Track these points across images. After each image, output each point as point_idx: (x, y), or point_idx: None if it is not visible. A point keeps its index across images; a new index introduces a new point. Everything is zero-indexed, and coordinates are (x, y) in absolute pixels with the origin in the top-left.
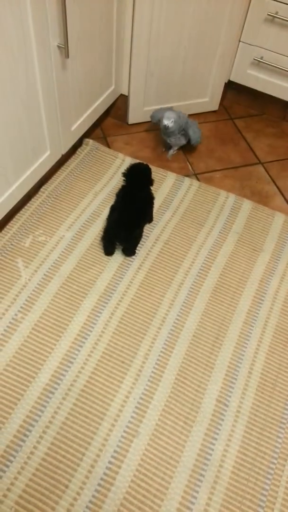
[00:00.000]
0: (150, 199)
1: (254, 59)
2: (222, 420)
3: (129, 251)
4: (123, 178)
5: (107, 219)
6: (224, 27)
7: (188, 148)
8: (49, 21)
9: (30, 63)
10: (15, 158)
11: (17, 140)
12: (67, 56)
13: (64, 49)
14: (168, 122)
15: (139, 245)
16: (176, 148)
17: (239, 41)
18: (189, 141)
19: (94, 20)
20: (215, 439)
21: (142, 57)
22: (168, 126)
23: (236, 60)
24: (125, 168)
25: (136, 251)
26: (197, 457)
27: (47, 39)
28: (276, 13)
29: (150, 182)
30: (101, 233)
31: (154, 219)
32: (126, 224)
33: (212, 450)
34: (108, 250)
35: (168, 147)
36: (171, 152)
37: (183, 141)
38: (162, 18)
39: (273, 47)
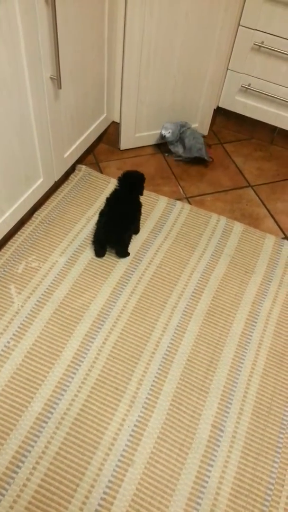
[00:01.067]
0: (139, 205)
1: (242, 86)
2: (218, 446)
3: (122, 253)
4: (117, 182)
5: (96, 223)
6: (212, 56)
7: (181, 170)
8: (41, 53)
9: (23, 94)
10: (9, 185)
11: (11, 168)
12: (60, 87)
13: (57, 80)
14: (165, 132)
15: (131, 269)
16: (180, 157)
17: (227, 69)
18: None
19: (85, 51)
20: (211, 465)
21: (132, 86)
22: (165, 136)
23: (225, 87)
24: (121, 173)
25: (129, 275)
26: (193, 485)
27: (39, 71)
28: (262, 42)
29: (141, 190)
30: (95, 258)
31: (146, 242)
32: (116, 226)
33: (208, 477)
34: (99, 254)
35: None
36: (175, 158)
37: (180, 150)
38: (152, 49)
39: (260, 74)
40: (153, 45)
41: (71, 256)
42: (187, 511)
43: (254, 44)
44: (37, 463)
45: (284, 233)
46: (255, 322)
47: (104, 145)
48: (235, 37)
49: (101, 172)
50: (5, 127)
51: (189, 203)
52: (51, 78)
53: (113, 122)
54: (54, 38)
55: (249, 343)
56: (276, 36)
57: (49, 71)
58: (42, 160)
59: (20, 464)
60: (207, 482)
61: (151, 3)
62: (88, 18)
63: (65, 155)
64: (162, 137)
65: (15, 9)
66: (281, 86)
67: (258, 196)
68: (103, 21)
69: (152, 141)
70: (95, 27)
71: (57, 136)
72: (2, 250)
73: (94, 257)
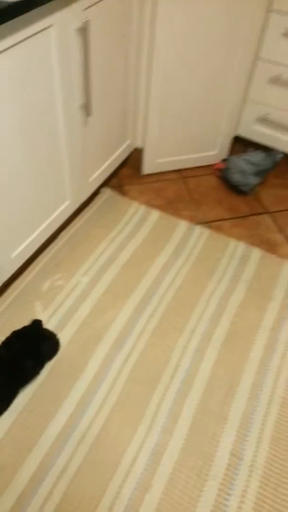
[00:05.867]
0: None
1: (260, 116)
2: (237, 474)
3: None
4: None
5: None
6: (231, 87)
7: (200, 195)
8: (73, 84)
9: (55, 121)
10: (38, 207)
11: (41, 191)
12: (89, 114)
13: (86, 108)
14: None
15: (152, 291)
16: (247, 186)
17: (246, 99)
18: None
19: (113, 80)
20: (230, 494)
21: (156, 114)
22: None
23: (243, 117)
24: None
25: (150, 297)
26: None
27: (71, 98)
28: (280, 75)
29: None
30: (116, 277)
31: (167, 265)
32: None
33: (227, 506)
34: None
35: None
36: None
37: (234, 179)
38: (175, 79)
39: (278, 105)
40: (177, 76)
41: (94, 276)
42: None
43: (272, 76)
44: (57, 481)
45: None
46: (274, 349)
47: (128, 169)
48: (254, 68)
49: (124, 195)
50: (38, 151)
51: (208, 228)
52: (81, 106)
53: (136, 148)
54: (86, 68)
55: (268, 370)
56: None
57: (80, 99)
58: (69, 183)
59: (41, 481)
60: (225, 511)
61: (175, 40)
62: (117, 49)
63: (91, 179)
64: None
65: (51, 40)
66: None
67: (275, 223)
68: (129, 53)
69: (173, 167)
70: (123, 57)
71: (84, 161)
72: (29, 268)
73: (117, 277)
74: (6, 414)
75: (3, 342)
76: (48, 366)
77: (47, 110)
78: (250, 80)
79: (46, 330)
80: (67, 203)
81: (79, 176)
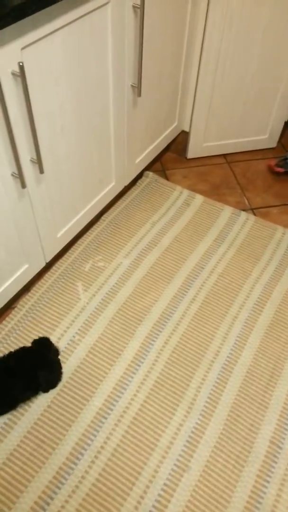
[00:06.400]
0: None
1: None
2: (275, 462)
3: None
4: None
5: None
6: (286, 69)
7: (247, 181)
8: (126, 62)
9: (106, 101)
10: (84, 187)
11: (88, 170)
12: (139, 95)
13: (137, 88)
14: None
15: (194, 276)
16: None
17: None
18: None
19: (164, 61)
20: (268, 481)
21: (205, 96)
22: None
23: None
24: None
25: (191, 281)
26: (248, 499)
27: (122, 78)
28: None
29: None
30: (158, 261)
31: (209, 250)
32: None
33: (264, 493)
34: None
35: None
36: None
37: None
38: (227, 61)
39: None
40: (229, 57)
41: (135, 258)
42: None
43: None
44: (95, 457)
45: None
46: None
47: (172, 153)
48: None
49: (167, 179)
50: (89, 129)
51: (254, 214)
52: (132, 86)
53: (182, 132)
54: (139, 47)
55: None
56: None
57: (131, 79)
58: (115, 164)
59: (79, 456)
60: (262, 498)
61: (230, 17)
62: (170, 29)
63: (136, 161)
64: None
65: (108, 17)
66: None
67: None
68: (183, 33)
69: (219, 151)
70: (175, 38)
71: (131, 142)
72: (72, 249)
73: (159, 261)
74: (45, 394)
75: (11, 354)
76: (91, 342)
77: (101, 87)
78: None
79: (52, 354)
80: (112, 184)
81: (125, 158)
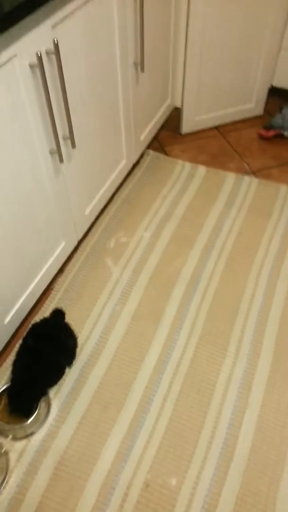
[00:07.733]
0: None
1: None
2: None
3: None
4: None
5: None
6: (267, 36)
7: (243, 148)
8: (128, 40)
9: (115, 78)
10: (104, 164)
11: (105, 147)
12: (143, 70)
13: (140, 65)
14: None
15: (213, 237)
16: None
17: (281, 48)
18: None
19: (156, 39)
20: None
21: (194, 69)
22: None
23: (278, 66)
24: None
25: (213, 243)
26: None
27: (126, 56)
28: None
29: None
30: (176, 230)
31: (222, 214)
32: (23, 395)
33: None
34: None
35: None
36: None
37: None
38: (212, 32)
39: None
40: (213, 28)
41: (155, 231)
42: None
43: None
44: (160, 408)
45: None
46: None
47: (166, 131)
48: None
49: (168, 155)
50: (103, 107)
51: (256, 177)
52: (134, 63)
53: (174, 109)
54: (141, 27)
55: None
56: None
57: (133, 57)
58: (125, 142)
59: (144, 415)
60: None
61: None
62: (160, 6)
63: (142, 138)
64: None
65: (113, 4)
66: None
67: None
68: (170, 10)
69: (211, 124)
70: (164, 15)
71: (136, 119)
72: (93, 229)
73: (177, 229)
74: (103, 357)
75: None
76: (132, 309)
77: (110, 65)
78: (287, 27)
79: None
80: (123, 162)
81: (133, 134)
